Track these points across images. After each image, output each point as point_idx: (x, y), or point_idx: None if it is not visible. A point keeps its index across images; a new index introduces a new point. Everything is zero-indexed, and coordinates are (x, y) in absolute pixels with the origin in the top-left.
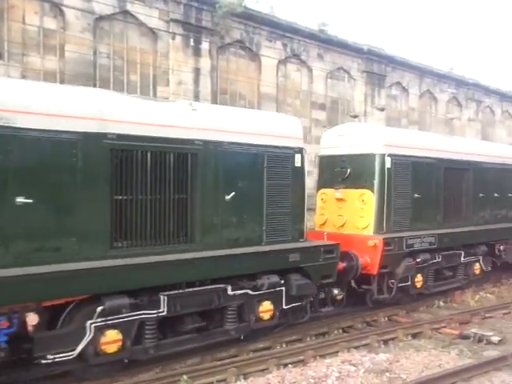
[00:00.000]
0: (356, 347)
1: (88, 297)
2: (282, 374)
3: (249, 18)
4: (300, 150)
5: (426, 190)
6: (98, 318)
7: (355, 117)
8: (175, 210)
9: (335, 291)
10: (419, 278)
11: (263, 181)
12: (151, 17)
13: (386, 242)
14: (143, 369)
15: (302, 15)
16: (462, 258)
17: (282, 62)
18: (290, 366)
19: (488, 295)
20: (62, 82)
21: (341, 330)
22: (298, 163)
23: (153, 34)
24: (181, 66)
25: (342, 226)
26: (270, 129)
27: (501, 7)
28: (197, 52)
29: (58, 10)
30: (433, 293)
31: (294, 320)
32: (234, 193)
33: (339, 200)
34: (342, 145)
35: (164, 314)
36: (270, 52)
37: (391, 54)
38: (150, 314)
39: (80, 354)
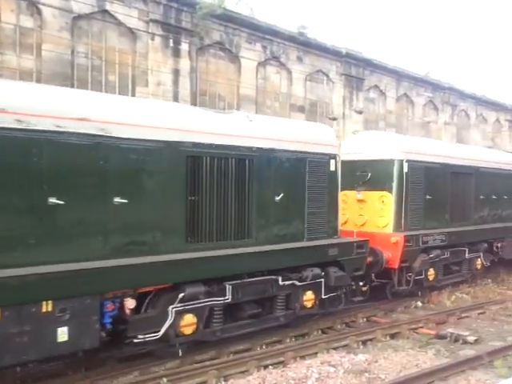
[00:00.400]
0: (335, 348)
1: (170, 285)
2: (263, 375)
3: (229, 19)
4: (334, 156)
5: (436, 192)
6: (178, 303)
7: (334, 119)
8: (236, 210)
9: (360, 283)
10: (431, 271)
11: (305, 184)
12: (130, 17)
13: (407, 239)
14: (122, 372)
15: (282, 18)
16: (467, 255)
17: (262, 64)
18: (270, 367)
19: (464, 295)
20: (38, 81)
21: (320, 331)
22: (332, 168)
23: (132, 34)
24: (160, 66)
25: (363, 224)
26: (310, 137)
27: (475, 13)
28: (176, 53)
29: (34, 9)
30: (442, 285)
31: (331, 308)
32: (282, 194)
33: (360, 201)
34: (363, 151)
35: (229, 300)
36: (250, 54)
37: (369, 58)
38: (218, 300)
39: (162, 334)
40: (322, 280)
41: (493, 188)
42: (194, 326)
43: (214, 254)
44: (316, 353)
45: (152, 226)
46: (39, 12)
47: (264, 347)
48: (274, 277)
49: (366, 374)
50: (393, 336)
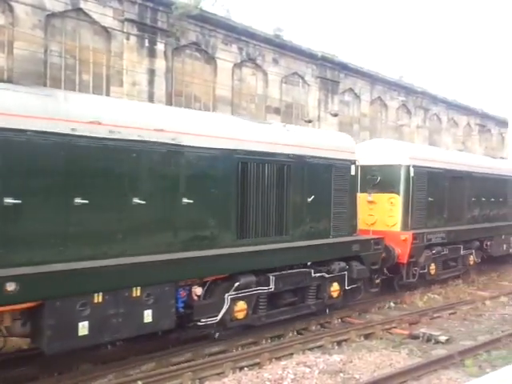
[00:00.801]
0: (310, 349)
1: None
2: (238, 377)
3: (205, 20)
4: (354, 162)
5: (436, 195)
6: (233, 291)
7: (309, 122)
8: (276, 209)
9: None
10: (433, 266)
11: (331, 186)
12: (105, 16)
13: (414, 237)
14: (97, 375)
15: (258, 20)
16: (462, 251)
17: (238, 65)
18: (245, 369)
19: (435, 296)
20: (9, 80)
21: (295, 333)
22: (353, 172)
23: (106, 33)
24: (135, 66)
25: (373, 223)
26: (335, 145)
27: (447, 18)
28: (152, 53)
29: (6, 5)
30: (441, 279)
31: (352, 299)
32: (313, 196)
33: (370, 202)
34: (373, 157)
35: (272, 290)
36: (226, 55)
37: (344, 61)
38: (263, 289)
39: (220, 319)
40: (346, 273)
41: (482, 191)
42: (245, 312)
43: (262, 248)
44: (291, 354)
45: (211, 223)
46: (11, 9)
47: (239, 349)
48: (307, 269)
49: (341, 375)
50: (367, 336)
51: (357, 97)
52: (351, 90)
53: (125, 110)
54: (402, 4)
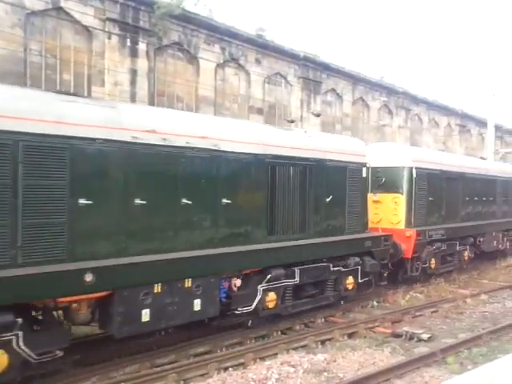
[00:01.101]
0: (295, 349)
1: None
2: (223, 377)
3: (187, 20)
4: (365, 165)
5: (435, 195)
6: (265, 283)
7: (292, 122)
8: (299, 209)
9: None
10: (433, 261)
11: (346, 187)
12: (86, 15)
13: (418, 233)
14: (80, 378)
15: (241, 20)
16: (457, 247)
17: (221, 65)
18: (230, 369)
19: (417, 295)
20: None
21: (280, 333)
22: (364, 174)
23: (88, 32)
24: (117, 66)
25: (379, 221)
26: (349, 149)
27: (428, 19)
28: (134, 53)
29: None
30: (440, 272)
31: (364, 291)
32: (331, 196)
33: (376, 202)
34: (378, 159)
35: (297, 282)
36: (209, 55)
37: (326, 62)
38: (290, 281)
39: (254, 308)
40: (359, 267)
41: (475, 191)
42: (275, 302)
43: (289, 244)
44: (276, 354)
45: (246, 222)
46: None
47: (224, 349)
48: (326, 264)
49: (325, 374)
50: (350, 335)
51: (339, 97)
52: (333, 90)
53: (175, 120)
54: (383, 5)
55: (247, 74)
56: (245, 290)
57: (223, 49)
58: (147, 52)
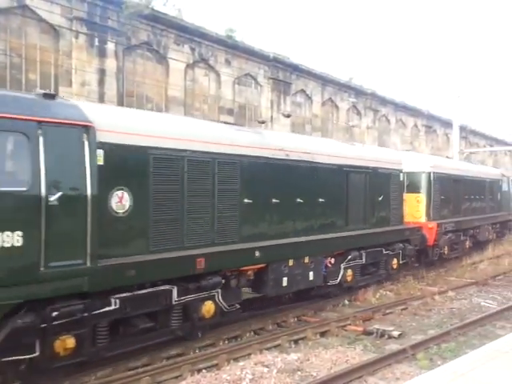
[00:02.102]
0: (268, 348)
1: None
2: (197, 379)
3: (156, 20)
4: (401, 171)
5: (445, 194)
6: (346, 262)
7: (262, 122)
8: (362, 205)
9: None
10: (446, 248)
11: (390, 189)
12: (53, 13)
13: (438, 225)
14: (49, 382)
15: (211, 20)
16: (461, 237)
17: (190, 66)
18: (204, 371)
19: (387, 293)
20: None
21: (252, 333)
22: (401, 178)
23: (54, 31)
24: (84, 66)
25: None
26: (391, 158)
27: (395, 21)
28: (102, 52)
29: None
30: (451, 257)
31: (403, 270)
32: (382, 196)
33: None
34: (403, 165)
35: (363, 262)
36: (178, 55)
37: (296, 63)
38: (359, 262)
39: (339, 281)
40: (401, 251)
41: (471, 190)
42: (351, 277)
43: (360, 232)
44: (249, 354)
45: (333, 215)
46: None
47: (197, 351)
48: (380, 248)
49: (299, 373)
50: (323, 334)
51: (308, 98)
52: (303, 91)
53: (293, 140)
54: (351, 7)
55: (217, 74)
56: (334, 267)
57: (193, 49)
58: (116, 52)
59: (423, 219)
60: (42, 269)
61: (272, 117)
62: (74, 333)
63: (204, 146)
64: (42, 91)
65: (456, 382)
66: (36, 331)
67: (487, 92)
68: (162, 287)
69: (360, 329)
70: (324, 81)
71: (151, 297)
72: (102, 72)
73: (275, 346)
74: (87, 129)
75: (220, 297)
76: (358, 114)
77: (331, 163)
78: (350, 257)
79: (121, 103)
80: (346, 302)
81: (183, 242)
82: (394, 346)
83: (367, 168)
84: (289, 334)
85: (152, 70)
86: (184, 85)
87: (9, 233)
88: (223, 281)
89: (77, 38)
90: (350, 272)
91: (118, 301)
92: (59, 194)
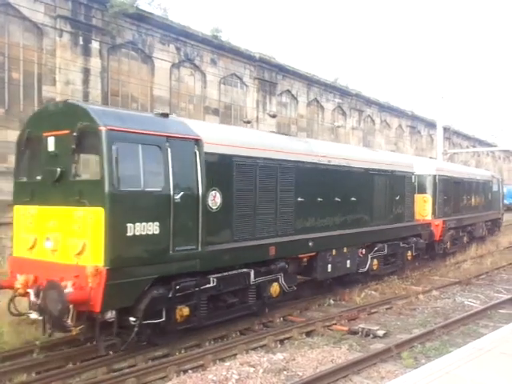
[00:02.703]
0: (254, 349)
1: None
2: (183, 380)
3: (141, 19)
4: (413, 173)
5: (447, 194)
6: (373, 253)
7: (248, 122)
8: (383, 203)
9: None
10: (449, 243)
11: (405, 189)
12: (36, 11)
13: (443, 222)
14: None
15: (197, 20)
16: (460, 233)
17: (176, 65)
18: (190, 371)
19: (372, 292)
20: None
21: (238, 333)
22: (413, 180)
23: (38, 29)
24: (69, 65)
25: None
26: (406, 162)
27: (381, 24)
28: (86, 51)
29: None
30: (453, 251)
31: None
32: (399, 196)
33: None
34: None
35: (385, 253)
36: (164, 55)
37: (281, 63)
38: (382, 253)
39: (367, 269)
40: (413, 244)
41: (468, 191)
42: (377, 266)
43: (383, 227)
44: (235, 354)
45: (362, 212)
46: None
47: (183, 351)
48: (397, 241)
49: (285, 372)
50: (308, 334)
51: (294, 98)
52: (289, 91)
53: (333, 148)
54: (337, 8)
55: (203, 74)
56: (364, 257)
57: (178, 49)
58: (100, 51)
59: (430, 217)
60: (170, 252)
61: (258, 117)
62: (188, 304)
63: (271, 153)
64: (160, 111)
65: (441, 380)
66: (164, 301)
67: (470, 94)
68: (243, 270)
69: (345, 328)
70: (309, 81)
71: (236, 277)
72: (86, 71)
73: (261, 346)
74: (197, 141)
75: (283, 279)
76: (344, 114)
77: (360, 167)
78: (376, 248)
79: (106, 102)
80: (332, 301)
81: (255, 233)
82: (379, 345)
83: (387, 171)
84: (275, 334)
85: (137, 70)
86: (169, 84)
87: (151, 223)
88: (286, 266)
89: (61, 36)
90: (375, 261)
91: (215, 279)
92: (181, 193)
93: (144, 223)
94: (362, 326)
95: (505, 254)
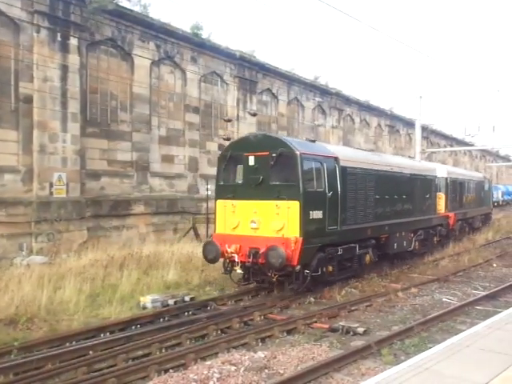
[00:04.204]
0: (235, 347)
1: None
2: (164, 379)
3: (121, 15)
4: (436, 176)
5: (455, 193)
6: (416, 237)
7: (228, 121)
8: (420, 199)
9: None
10: (458, 231)
11: (431, 188)
12: (12, 6)
13: (455, 214)
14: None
15: (177, 18)
16: (464, 224)
17: (156, 63)
18: (171, 370)
19: (352, 290)
20: None
21: (220, 332)
22: (436, 182)
23: (14, 25)
24: (46, 61)
25: None
26: (431, 167)
27: (361, 24)
28: (64, 48)
29: None
30: (461, 237)
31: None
32: (428, 194)
33: None
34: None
35: (422, 237)
36: (143, 52)
37: (262, 61)
38: (420, 237)
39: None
40: (437, 232)
41: (469, 190)
42: (419, 246)
43: (421, 218)
44: (217, 353)
45: (408, 206)
46: None
47: (164, 351)
48: (428, 229)
49: (266, 370)
50: (289, 332)
51: (274, 97)
52: (269, 90)
53: (393, 158)
54: (317, 7)
55: (183, 72)
56: (411, 240)
57: (158, 46)
58: (79, 47)
59: (443, 211)
60: (326, 229)
61: (238, 115)
62: (332, 264)
63: (371, 166)
64: (310, 139)
65: (421, 376)
66: (323, 261)
67: (447, 94)
68: (352, 244)
69: (326, 326)
70: (290, 80)
71: (349, 249)
72: (64, 68)
73: (242, 345)
74: (336, 159)
75: (371, 252)
76: (323, 113)
77: (408, 173)
78: (418, 233)
79: (84, 100)
80: (312, 299)
81: (358, 219)
82: (359, 343)
83: (421, 175)
84: (256, 333)
85: (116, 67)
86: (149, 82)
87: (318, 211)
88: (374, 242)
89: (38, 32)
90: (417, 243)
91: (341, 250)
92: (331, 192)
93: (316, 211)
94: (342, 323)
95: (481, 251)
